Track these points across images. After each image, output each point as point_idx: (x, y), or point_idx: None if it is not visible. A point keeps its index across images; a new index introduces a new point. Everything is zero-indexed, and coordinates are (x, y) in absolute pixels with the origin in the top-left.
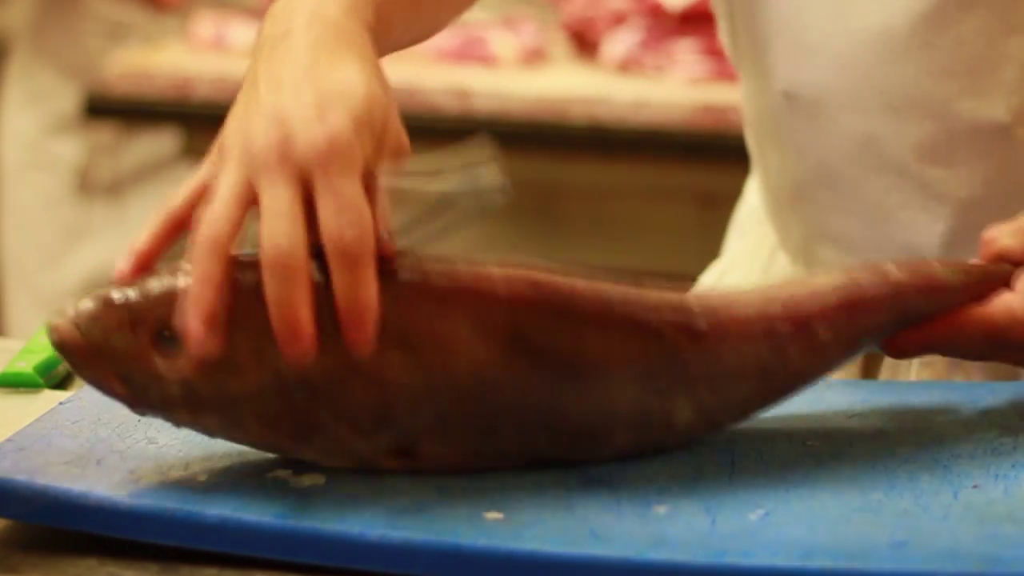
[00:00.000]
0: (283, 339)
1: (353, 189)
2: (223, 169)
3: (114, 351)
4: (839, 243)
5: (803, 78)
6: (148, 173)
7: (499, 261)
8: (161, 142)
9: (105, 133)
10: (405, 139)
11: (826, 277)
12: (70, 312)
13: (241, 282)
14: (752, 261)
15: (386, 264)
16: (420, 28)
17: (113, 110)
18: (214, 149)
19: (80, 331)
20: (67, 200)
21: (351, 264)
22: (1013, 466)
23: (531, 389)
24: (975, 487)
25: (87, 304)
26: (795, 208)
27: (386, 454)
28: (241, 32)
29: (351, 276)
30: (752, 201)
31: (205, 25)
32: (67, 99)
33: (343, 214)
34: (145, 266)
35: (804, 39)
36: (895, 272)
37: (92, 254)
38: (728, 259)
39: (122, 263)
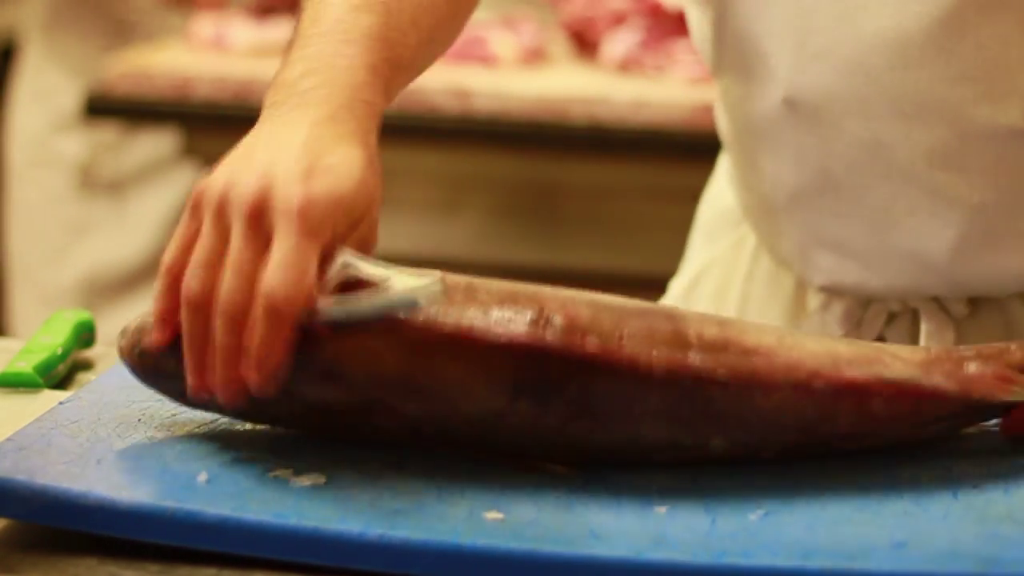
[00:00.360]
0: (221, 384)
1: (305, 254)
2: (206, 223)
3: (165, 373)
4: (840, 249)
5: (807, 83)
6: (150, 171)
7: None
8: (162, 140)
9: (108, 131)
10: (375, 236)
11: (903, 355)
12: (129, 337)
13: None
14: (732, 265)
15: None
16: (434, 57)
17: (113, 109)
18: (193, 198)
19: (135, 356)
20: (71, 197)
21: (271, 318)
22: (1012, 466)
23: (543, 424)
24: (975, 487)
25: (140, 333)
26: (791, 214)
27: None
28: (241, 32)
29: (267, 329)
30: (721, 204)
31: (205, 25)
32: (73, 96)
33: (284, 271)
34: (174, 326)
35: (810, 44)
36: (973, 369)
37: (94, 251)
38: (699, 265)
39: (157, 335)
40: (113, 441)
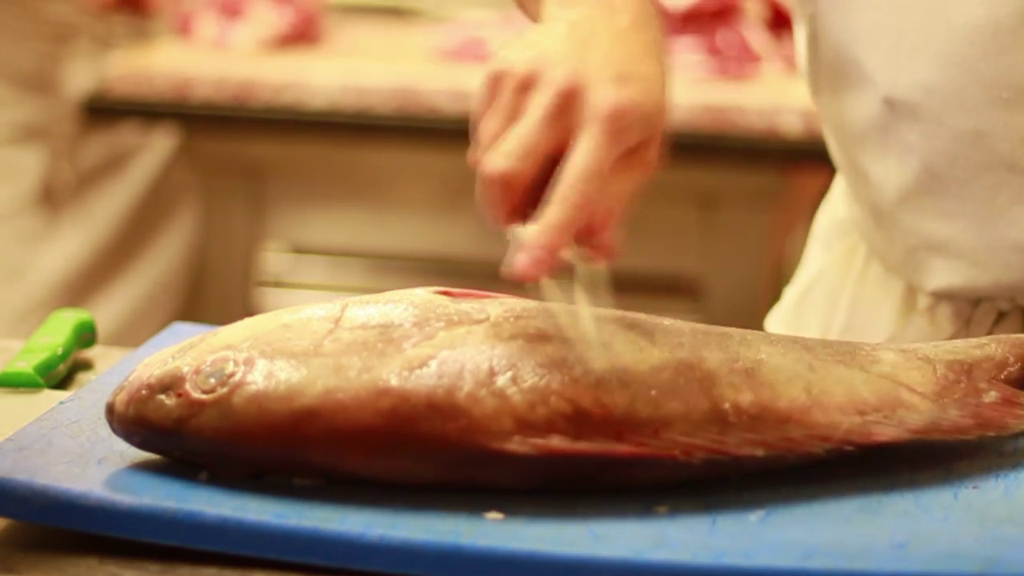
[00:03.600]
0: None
1: (607, 157)
2: (504, 98)
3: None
4: (947, 250)
5: (905, 81)
6: (108, 174)
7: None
8: (117, 141)
9: (61, 138)
10: (654, 161)
11: (918, 386)
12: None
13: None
14: (844, 271)
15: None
16: None
17: (113, 110)
18: (493, 75)
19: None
20: (28, 210)
21: (569, 204)
22: (1013, 467)
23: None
24: (975, 488)
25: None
26: (898, 220)
27: None
28: (242, 32)
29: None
30: (838, 215)
31: (206, 25)
32: (22, 108)
33: (587, 167)
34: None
35: (904, 42)
36: (987, 408)
37: (58, 261)
38: (814, 271)
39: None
40: (113, 440)
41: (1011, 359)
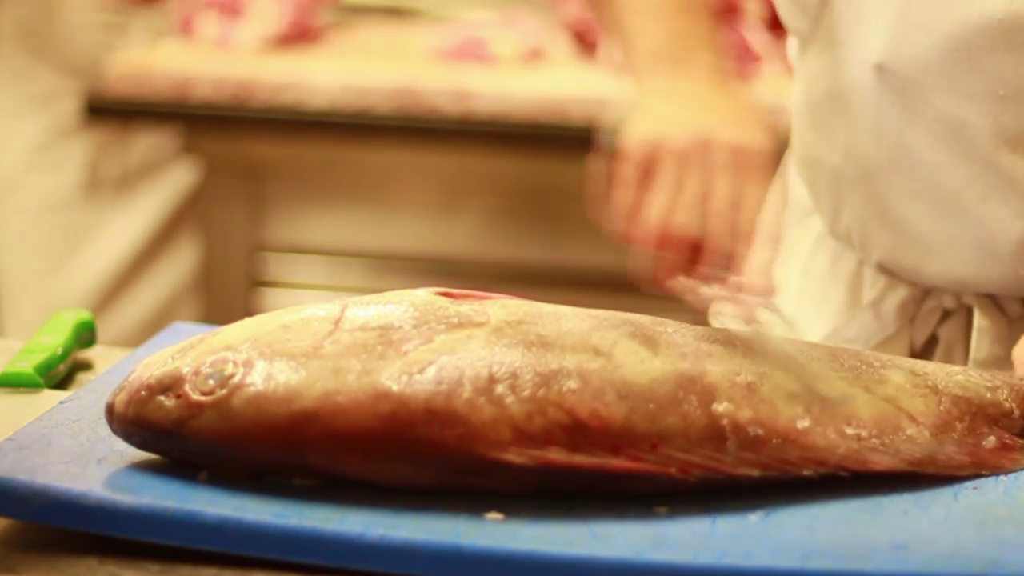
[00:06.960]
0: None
1: (759, 197)
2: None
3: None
4: (901, 228)
5: (903, 53)
6: (150, 172)
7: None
8: (161, 140)
9: (107, 133)
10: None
11: (919, 415)
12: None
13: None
14: (787, 263)
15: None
16: None
17: (113, 110)
18: (644, 152)
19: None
20: (71, 202)
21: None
22: None
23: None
24: (975, 488)
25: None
26: (857, 189)
27: None
28: (242, 32)
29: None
30: (792, 197)
31: (207, 25)
32: (74, 98)
33: (743, 213)
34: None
35: (912, 15)
36: (984, 450)
37: (98, 255)
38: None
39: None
40: (113, 440)
41: (1016, 410)
